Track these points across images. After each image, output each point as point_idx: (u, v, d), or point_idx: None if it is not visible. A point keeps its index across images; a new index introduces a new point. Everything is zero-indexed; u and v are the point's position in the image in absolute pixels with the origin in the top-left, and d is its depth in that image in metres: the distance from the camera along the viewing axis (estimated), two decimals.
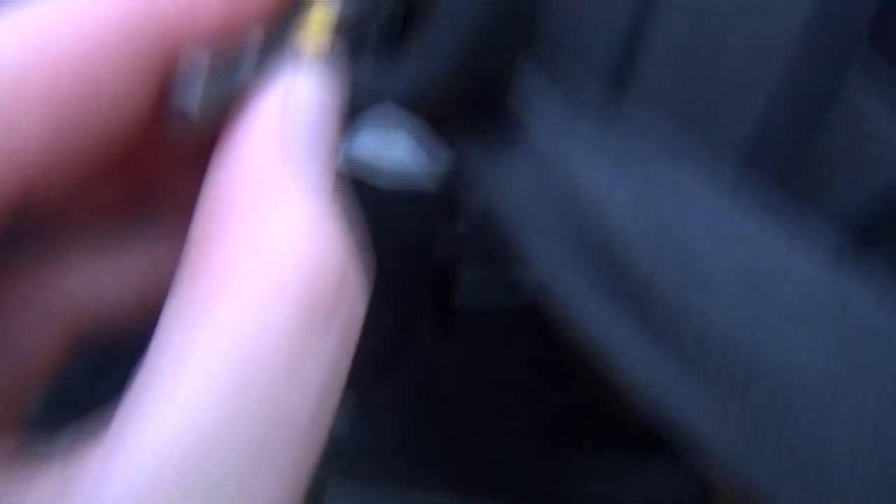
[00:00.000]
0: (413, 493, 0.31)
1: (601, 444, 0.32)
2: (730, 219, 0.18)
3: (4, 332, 0.14)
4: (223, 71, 0.13)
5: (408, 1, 0.17)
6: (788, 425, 0.17)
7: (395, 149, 0.18)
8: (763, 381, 0.17)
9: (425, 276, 0.31)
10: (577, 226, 0.18)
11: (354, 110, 0.16)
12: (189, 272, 0.12)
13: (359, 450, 0.35)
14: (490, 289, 0.34)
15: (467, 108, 0.19)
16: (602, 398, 0.23)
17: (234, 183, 0.12)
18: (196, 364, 0.11)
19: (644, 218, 0.17)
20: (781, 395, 0.17)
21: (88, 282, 0.15)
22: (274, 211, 0.12)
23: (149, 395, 0.11)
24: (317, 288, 0.12)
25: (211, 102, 0.12)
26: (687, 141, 0.19)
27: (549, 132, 0.18)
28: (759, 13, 0.18)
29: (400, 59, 0.17)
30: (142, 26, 0.12)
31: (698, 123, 0.19)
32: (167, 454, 0.11)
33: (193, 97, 0.12)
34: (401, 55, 0.17)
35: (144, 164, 0.15)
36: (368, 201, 0.16)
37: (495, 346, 0.33)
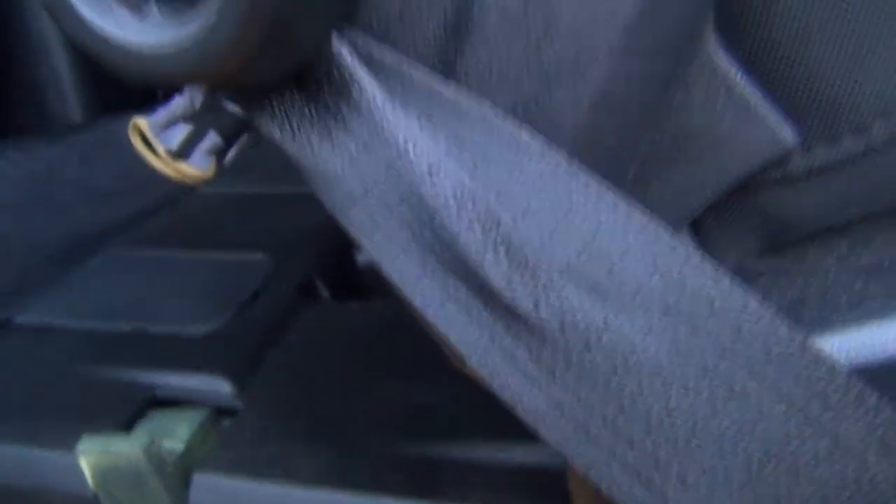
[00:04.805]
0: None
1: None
2: (567, 199, 0.16)
3: None
4: None
5: None
6: (621, 410, 0.17)
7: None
8: (598, 365, 0.17)
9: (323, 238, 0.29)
10: (405, 202, 0.17)
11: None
12: None
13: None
14: None
15: (283, 77, 0.17)
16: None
17: None
18: None
19: (472, 199, 0.16)
20: (614, 379, 0.16)
21: None
22: None
23: None
24: None
25: None
26: (521, 122, 0.17)
27: (376, 104, 0.16)
28: None
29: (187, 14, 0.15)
30: None
31: (531, 105, 0.17)
32: None
33: None
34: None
35: None
36: None
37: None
